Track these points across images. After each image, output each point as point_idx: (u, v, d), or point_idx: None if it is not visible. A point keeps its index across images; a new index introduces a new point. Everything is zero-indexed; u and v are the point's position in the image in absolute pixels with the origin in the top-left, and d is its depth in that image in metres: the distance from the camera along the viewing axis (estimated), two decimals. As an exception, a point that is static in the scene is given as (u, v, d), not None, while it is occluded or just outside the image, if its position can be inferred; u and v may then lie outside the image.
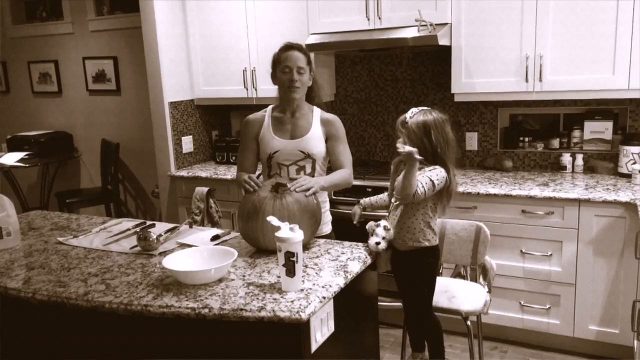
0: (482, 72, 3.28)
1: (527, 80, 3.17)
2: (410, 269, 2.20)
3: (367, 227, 2.16)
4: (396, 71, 3.89)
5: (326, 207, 2.57)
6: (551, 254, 3.01)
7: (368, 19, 3.41)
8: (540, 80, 3.14)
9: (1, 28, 5.70)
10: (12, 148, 5.31)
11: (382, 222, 2.10)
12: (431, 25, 3.18)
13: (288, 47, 2.42)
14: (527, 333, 3.20)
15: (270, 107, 2.55)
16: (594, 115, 3.39)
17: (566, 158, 3.43)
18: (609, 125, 3.36)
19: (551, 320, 3.09)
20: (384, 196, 2.37)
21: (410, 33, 3.22)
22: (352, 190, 3.09)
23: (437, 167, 2.09)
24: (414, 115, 2.10)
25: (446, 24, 3.25)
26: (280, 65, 2.39)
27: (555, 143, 3.51)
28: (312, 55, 3.40)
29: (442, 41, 3.20)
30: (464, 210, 3.15)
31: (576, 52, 3.06)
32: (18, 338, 2.13)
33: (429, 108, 2.14)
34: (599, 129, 3.39)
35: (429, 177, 2.04)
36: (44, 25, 5.45)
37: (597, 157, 3.42)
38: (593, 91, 3.07)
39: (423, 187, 2.02)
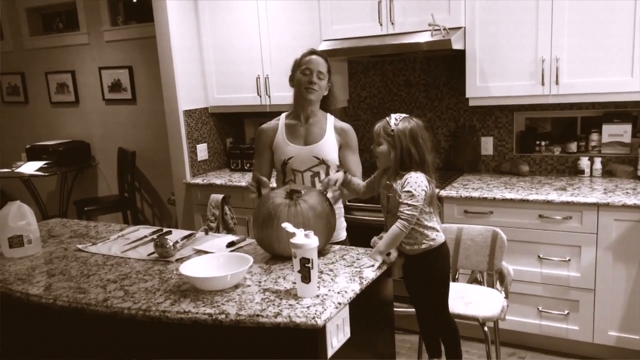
0: (497, 76, 3.27)
1: (543, 84, 3.15)
2: (422, 271, 2.18)
3: (371, 242, 2.17)
4: (409, 76, 3.89)
5: (341, 212, 2.57)
6: (569, 259, 2.98)
7: (381, 25, 3.41)
8: (557, 83, 3.12)
9: (18, 40, 5.80)
10: (31, 157, 5.40)
11: (383, 234, 2.10)
12: (444, 29, 3.17)
13: (312, 52, 2.47)
14: (546, 339, 3.16)
15: (283, 114, 2.57)
16: (612, 118, 3.35)
17: (584, 162, 3.40)
18: (627, 128, 3.32)
19: (570, 326, 3.05)
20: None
21: (424, 38, 3.22)
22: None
23: (411, 176, 2.04)
24: (399, 122, 2.09)
25: (460, 27, 3.25)
26: (301, 67, 2.42)
27: (573, 147, 3.48)
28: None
29: (456, 45, 3.19)
30: (480, 215, 3.13)
31: (593, 54, 3.03)
32: (18, 340, 2.18)
33: (408, 115, 2.12)
34: (617, 132, 3.35)
35: (407, 203, 2.01)
36: (60, 36, 5.55)
37: (616, 160, 3.38)
38: (611, 94, 3.04)
39: (411, 215, 2.00)
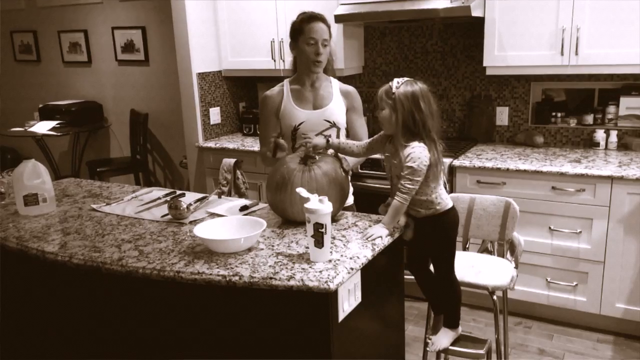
0: (516, 45, 3.21)
1: (562, 54, 3.09)
2: (427, 234, 2.16)
3: (379, 210, 2.17)
4: (426, 43, 3.83)
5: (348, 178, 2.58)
6: (580, 232, 2.98)
7: (399, -11, 3.35)
8: (577, 53, 3.06)
9: (32, -3, 5.77)
10: (44, 117, 5.41)
11: (389, 201, 2.09)
12: (464, -4, 3.11)
13: (313, 17, 2.37)
14: (553, 309, 3.19)
15: (286, 80, 2.52)
16: (630, 91, 3.30)
17: (599, 134, 3.36)
18: (645, 101, 3.27)
19: (578, 297, 3.07)
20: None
21: (442, 4, 3.16)
22: (376, 163, 3.11)
23: (414, 148, 1.97)
24: (401, 85, 2.01)
25: (480, -6, 3.18)
26: (305, 37, 2.34)
27: (589, 119, 3.44)
28: (337, 26, 3.36)
29: (475, 12, 3.13)
30: (493, 185, 3.12)
31: (615, 25, 2.96)
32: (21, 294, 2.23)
33: (412, 79, 2.04)
34: (635, 105, 3.30)
35: (408, 178, 1.96)
36: (73, -6, 5.49)
37: (632, 133, 3.34)
38: (631, 65, 2.99)
39: (411, 189, 1.96)
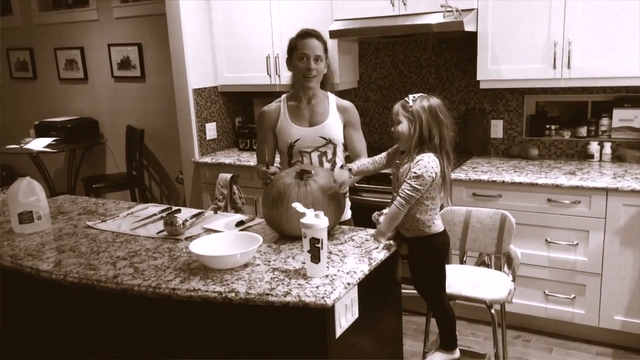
0: (509, 59, 3.23)
1: (555, 67, 3.11)
2: (417, 255, 2.16)
3: (372, 218, 2.17)
4: (420, 58, 3.85)
5: (346, 192, 2.57)
6: (577, 244, 2.97)
7: (392, 5, 3.37)
8: (569, 66, 3.08)
9: (27, 15, 5.78)
10: (39, 134, 5.40)
11: (385, 211, 2.09)
12: (457, 10, 3.14)
13: (306, 34, 2.39)
14: (551, 322, 3.18)
15: (284, 96, 2.54)
16: (623, 103, 3.32)
17: (594, 146, 3.38)
18: (638, 113, 3.29)
19: (576, 310, 3.06)
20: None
21: (435, 19, 3.19)
22: (373, 177, 3.10)
23: (423, 158, 2.00)
24: (417, 99, 2.05)
25: (472, 9, 3.21)
26: (298, 53, 2.37)
27: (583, 131, 3.45)
28: (332, 42, 3.38)
29: (468, 27, 3.16)
30: (489, 198, 3.12)
31: (606, 38, 2.99)
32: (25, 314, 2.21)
33: (426, 94, 2.08)
34: (628, 117, 3.32)
35: (410, 184, 1.97)
36: (69, 12, 5.52)
37: (626, 145, 3.36)
38: (622, 78, 3.01)
39: (410, 196, 1.97)
